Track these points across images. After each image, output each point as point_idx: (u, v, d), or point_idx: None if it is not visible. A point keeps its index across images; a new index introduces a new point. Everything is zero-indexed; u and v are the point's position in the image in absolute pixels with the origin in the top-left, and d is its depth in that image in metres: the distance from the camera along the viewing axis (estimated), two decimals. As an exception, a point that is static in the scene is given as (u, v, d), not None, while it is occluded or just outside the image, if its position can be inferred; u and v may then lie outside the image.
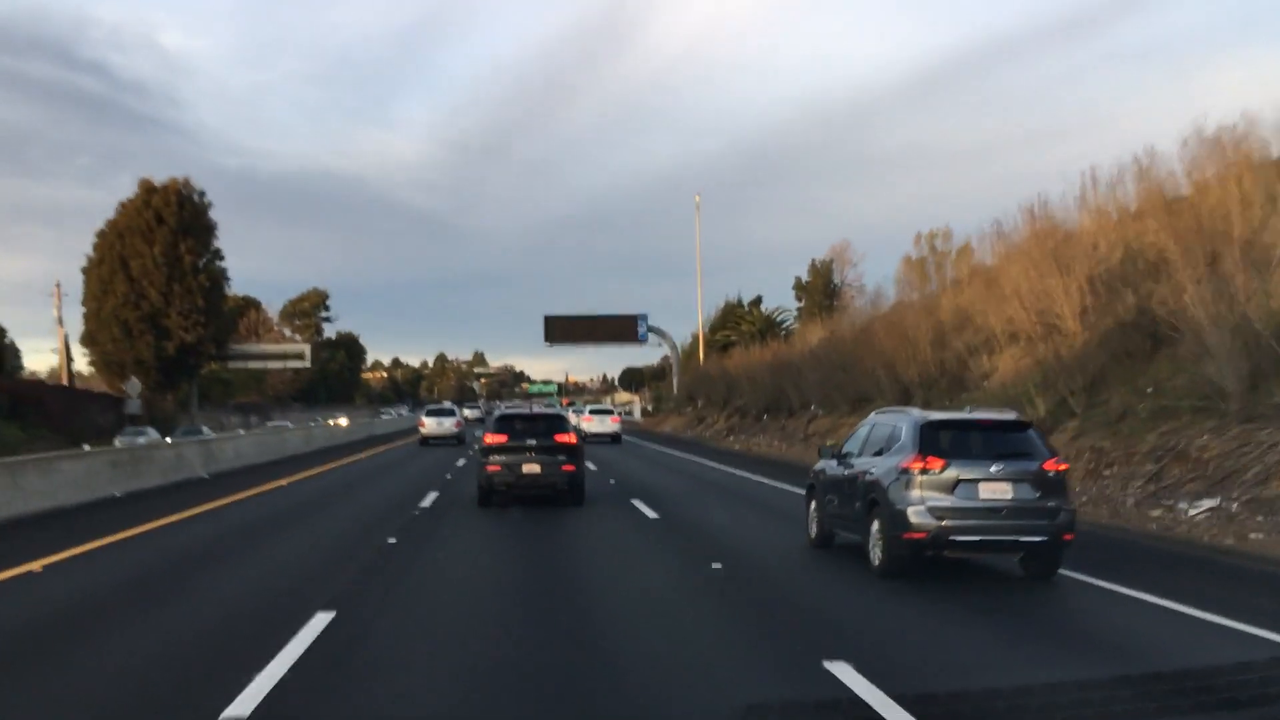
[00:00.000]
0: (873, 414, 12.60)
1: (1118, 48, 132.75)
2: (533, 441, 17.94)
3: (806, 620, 8.77)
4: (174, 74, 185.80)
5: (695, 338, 76.75)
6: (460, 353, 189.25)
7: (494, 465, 17.76)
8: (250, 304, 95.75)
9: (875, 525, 10.70)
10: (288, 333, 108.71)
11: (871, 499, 10.84)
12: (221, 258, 61.42)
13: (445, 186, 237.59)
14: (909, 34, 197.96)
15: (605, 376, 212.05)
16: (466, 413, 62.86)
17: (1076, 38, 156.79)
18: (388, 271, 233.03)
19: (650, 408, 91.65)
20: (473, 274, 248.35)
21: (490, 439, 18.14)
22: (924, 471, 10.16)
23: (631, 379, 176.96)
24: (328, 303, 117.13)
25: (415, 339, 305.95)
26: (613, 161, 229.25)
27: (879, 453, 11.21)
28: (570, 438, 18.22)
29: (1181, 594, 9.48)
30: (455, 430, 44.25)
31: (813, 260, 67.14)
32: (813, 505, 13.16)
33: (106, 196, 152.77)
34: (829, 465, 12.75)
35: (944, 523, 10.02)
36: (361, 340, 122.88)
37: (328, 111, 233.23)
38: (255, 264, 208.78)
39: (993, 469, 10.12)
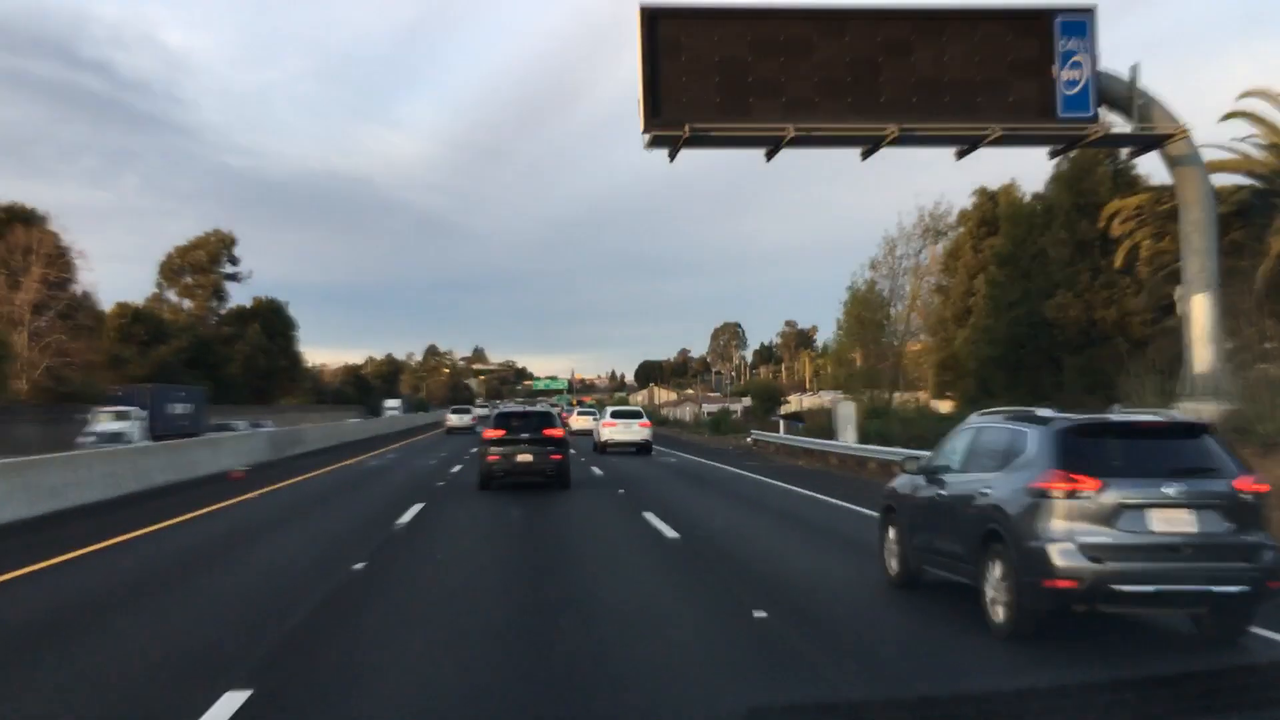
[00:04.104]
0: (973, 416, 10.17)
1: (1123, 40, 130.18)
2: (526, 435, 21.36)
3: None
4: (177, 72, 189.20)
5: None
6: (459, 350, 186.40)
7: (493, 455, 21.19)
8: (17, 216, 52.77)
9: (997, 568, 8.26)
10: (172, 297, 78.09)
11: (989, 531, 8.40)
12: None
13: (448, 185, 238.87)
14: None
15: (615, 373, 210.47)
16: (478, 410, 73.72)
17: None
18: (389, 269, 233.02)
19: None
20: (475, 273, 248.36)
21: (489, 433, 21.69)
22: (1071, 495, 7.71)
23: (650, 374, 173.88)
24: (234, 252, 79.78)
25: (416, 336, 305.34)
26: (616, 159, 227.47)
27: (992, 468, 8.75)
28: (558, 432, 21.82)
29: None
30: (471, 423, 63.07)
31: None
32: (891, 533, 10.74)
33: (111, 197, 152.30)
34: (914, 483, 10.32)
35: (1104, 566, 7.56)
36: (290, 310, 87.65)
37: (331, 110, 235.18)
38: (257, 263, 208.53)
39: (1168, 490, 7.65)
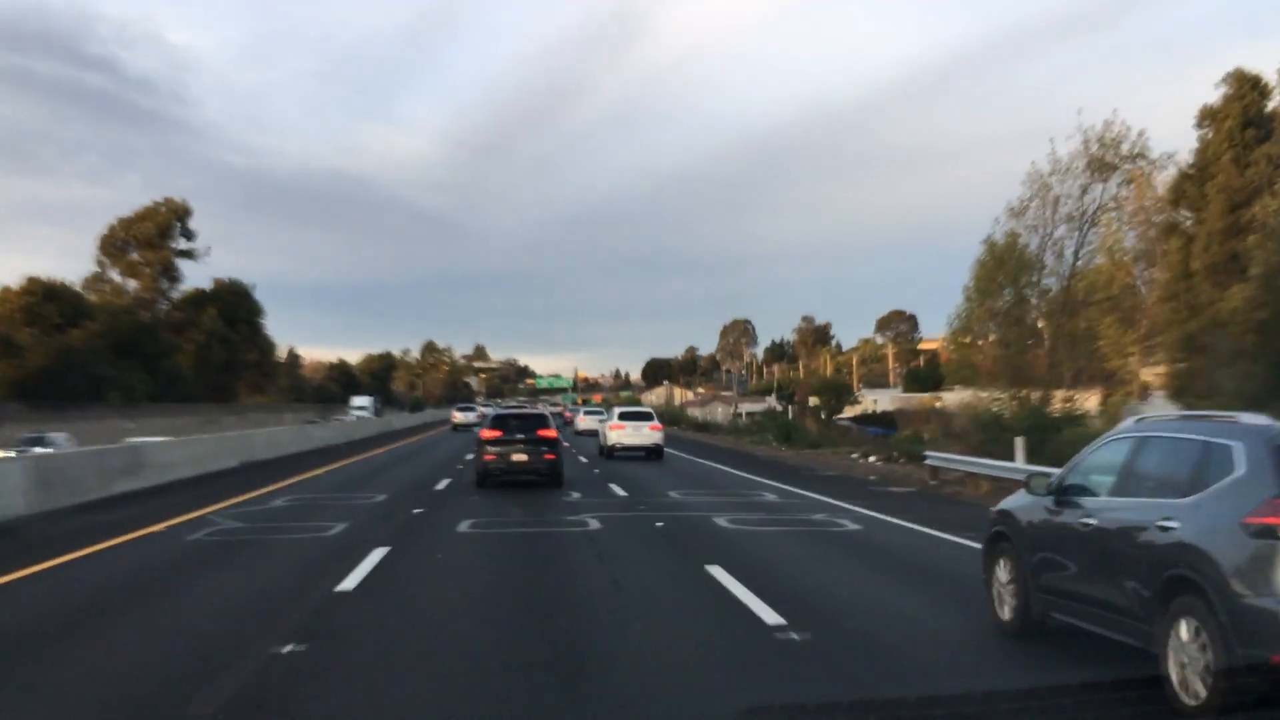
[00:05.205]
0: (1128, 421, 8.14)
1: (1125, 41, 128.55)
2: (521, 435, 22.65)
3: None
4: (180, 71, 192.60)
5: None
6: (460, 347, 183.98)
7: (490, 455, 22.46)
8: None
9: (1187, 629, 6.24)
10: (116, 276, 67.00)
11: (1175, 579, 6.40)
12: None
13: (450, 184, 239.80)
14: (914, 30, 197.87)
15: (620, 372, 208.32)
16: (483, 409, 74.05)
17: (1083, 32, 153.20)
18: (389, 267, 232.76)
19: None
20: (476, 272, 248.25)
21: (486, 434, 23.11)
22: (1312, 534, 5.67)
23: (658, 372, 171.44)
24: (189, 225, 68.43)
25: (416, 334, 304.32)
26: (617, 160, 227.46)
27: (1171, 491, 6.76)
28: (551, 432, 23.11)
29: None
30: (476, 420, 64.99)
31: None
32: (1002, 567, 8.76)
33: (114, 195, 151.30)
34: (1038, 505, 8.32)
35: (1363, 637, 5.54)
36: (256, 294, 75.26)
37: (334, 109, 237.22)
38: (258, 263, 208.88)
39: None
